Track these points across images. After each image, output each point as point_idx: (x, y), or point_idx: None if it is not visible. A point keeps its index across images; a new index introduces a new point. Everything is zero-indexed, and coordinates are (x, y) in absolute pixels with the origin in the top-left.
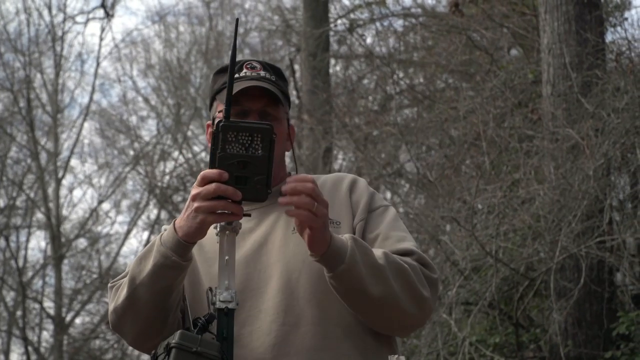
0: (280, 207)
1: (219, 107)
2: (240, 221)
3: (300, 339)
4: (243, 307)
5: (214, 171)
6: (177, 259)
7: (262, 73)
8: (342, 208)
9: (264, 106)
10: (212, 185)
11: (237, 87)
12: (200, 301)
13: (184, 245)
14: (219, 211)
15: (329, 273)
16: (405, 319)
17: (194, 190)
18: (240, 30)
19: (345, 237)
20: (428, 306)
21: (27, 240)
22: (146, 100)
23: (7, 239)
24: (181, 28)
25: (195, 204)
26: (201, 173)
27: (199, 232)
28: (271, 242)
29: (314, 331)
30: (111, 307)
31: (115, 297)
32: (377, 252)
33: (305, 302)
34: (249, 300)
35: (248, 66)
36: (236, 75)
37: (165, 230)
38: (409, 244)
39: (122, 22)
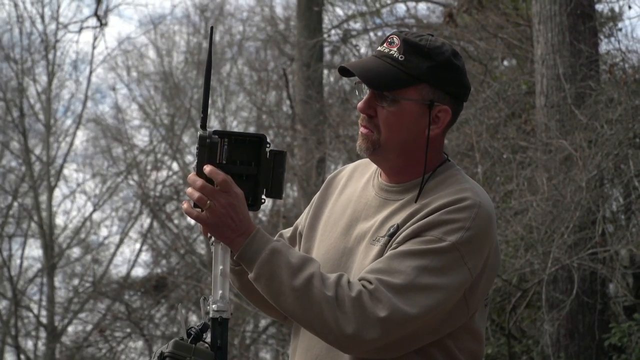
0: (392, 206)
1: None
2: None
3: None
4: None
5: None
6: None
7: (393, 50)
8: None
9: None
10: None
11: (357, 62)
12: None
13: None
14: None
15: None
16: (329, 342)
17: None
18: (237, 38)
19: (267, 247)
20: (351, 343)
21: (23, 249)
22: (141, 107)
23: None
24: (176, 37)
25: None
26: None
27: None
28: (358, 240)
29: None
30: None
31: None
32: (304, 273)
33: None
34: None
35: (388, 40)
36: (374, 50)
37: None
38: (381, 277)
39: (117, 30)
